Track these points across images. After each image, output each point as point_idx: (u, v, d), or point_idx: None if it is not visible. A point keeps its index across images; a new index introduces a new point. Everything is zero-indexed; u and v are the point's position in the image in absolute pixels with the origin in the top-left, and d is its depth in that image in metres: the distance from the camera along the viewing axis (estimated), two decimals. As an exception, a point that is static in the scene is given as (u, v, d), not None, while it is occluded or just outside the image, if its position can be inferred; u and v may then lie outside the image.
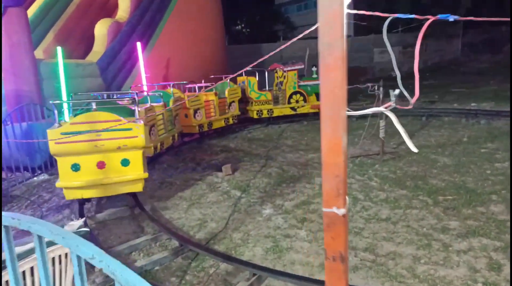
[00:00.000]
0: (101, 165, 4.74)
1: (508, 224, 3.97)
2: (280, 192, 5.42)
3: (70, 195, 4.77)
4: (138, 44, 8.43)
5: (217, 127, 9.46)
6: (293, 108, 10.10)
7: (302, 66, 10.10)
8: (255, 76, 10.24)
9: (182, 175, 6.54)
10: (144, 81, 8.60)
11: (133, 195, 5.25)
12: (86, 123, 4.56)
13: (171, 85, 8.12)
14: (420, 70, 8.36)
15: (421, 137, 7.80)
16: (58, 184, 4.70)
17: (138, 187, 4.95)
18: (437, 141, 7.33)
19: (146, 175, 4.94)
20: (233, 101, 9.82)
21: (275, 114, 10.11)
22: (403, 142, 7.46)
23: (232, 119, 9.80)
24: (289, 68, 9.99)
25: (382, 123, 6.41)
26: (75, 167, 4.66)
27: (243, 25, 27.66)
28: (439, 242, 3.72)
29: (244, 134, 9.61)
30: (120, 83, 8.78)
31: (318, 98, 10.54)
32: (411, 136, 7.87)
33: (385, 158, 6.47)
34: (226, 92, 9.55)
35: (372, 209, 4.65)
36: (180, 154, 7.96)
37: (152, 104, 6.63)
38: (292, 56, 18.34)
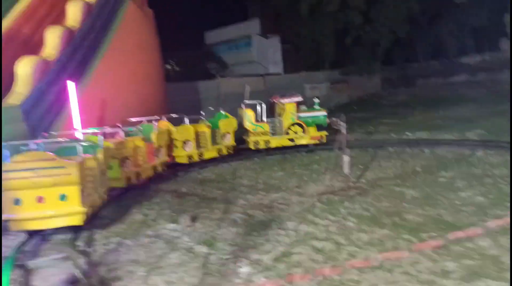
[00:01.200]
0: (39, 199, 5.14)
1: (502, 259, 3.81)
2: (253, 243, 4.79)
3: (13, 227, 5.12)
4: (70, 83, 7.43)
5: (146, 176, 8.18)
6: (291, 139, 10.23)
7: (301, 99, 10.33)
8: (254, 108, 10.37)
9: (131, 231, 5.59)
10: (77, 124, 7.53)
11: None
12: (25, 161, 5.09)
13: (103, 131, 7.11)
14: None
15: (376, 169, 7.79)
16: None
17: (77, 221, 5.24)
18: (394, 172, 7.35)
19: (84, 209, 5.23)
20: (161, 146, 8.77)
21: (272, 145, 10.22)
22: (362, 175, 7.37)
23: (161, 167, 8.73)
24: (287, 100, 10.15)
25: (346, 158, 6.22)
26: (17, 202, 5.08)
27: (174, 64, 27.24)
28: (447, 290, 3.40)
29: (193, 175, 8.86)
30: (47, 128, 7.59)
31: (318, 129, 10.32)
32: (365, 169, 7.85)
33: (351, 193, 6.24)
34: (153, 136, 8.43)
35: (360, 255, 4.25)
36: (122, 205, 6.92)
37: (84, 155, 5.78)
38: (231, 92, 18.18)
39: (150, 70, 10.49)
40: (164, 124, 9.36)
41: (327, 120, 10.23)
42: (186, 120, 9.44)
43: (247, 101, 10.52)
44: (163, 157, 8.84)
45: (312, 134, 10.24)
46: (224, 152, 9.99)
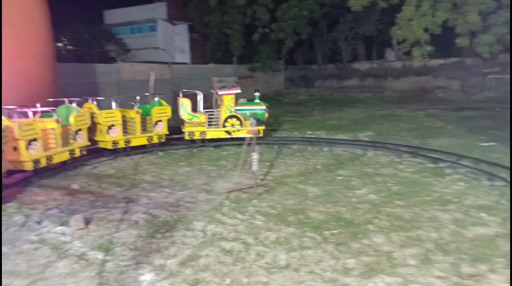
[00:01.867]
0: None
1: (394, 255, 4.18)
2: (157, 247, 4.45)
3: None
4: None
5: (59, 161, 7.70)
6: (228, 132, 9.98)
7: (239, 91, 10.01)
8: (193, 97, 10.04)
9: (8, 235, 4.74)
10: None
11: None
12: None
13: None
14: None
15: (281, 166, 8.00)
16: None
17: None
18: (298, 170, 7.62)
19: None
20: (80, 129, 8.20)
21: (208, 137, 9.94)
22: (269, 172, 7.49)
23: (80, 151, 8.23)
24: (223, 92, 9.80)
25: (255, 155, 6.21)
26: None
27: (67, 42, 24.36)
28: (349, 287, 3.58)
29: (88, 169, 7.97)
30: None
31: (257, 124, 9.74)
32: (271, 166, 8.01)
33: (259, 191, 6.26)
34: (72, 119, 7.91)
35: (268, 255, 4.25)
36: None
37: None
38: (133, 79, 16.97)
39: (38, 46, 9.07)
40: (89, 106, 8.79)
41: (266, 115, 10.41)
42: (113, 104, 8.92)
43: (184, 90, 10.42)
44: (82, 141, 8.28)
45: (248, 128, 10.10)
46: (155, 140, 9.66)
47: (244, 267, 3.99)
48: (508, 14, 15.90)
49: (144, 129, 9.48)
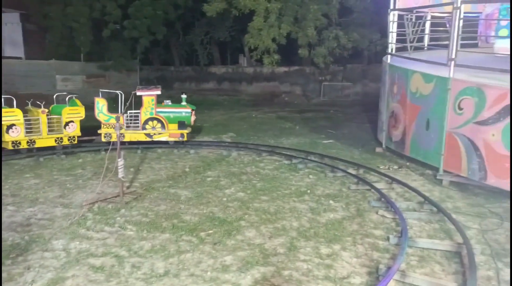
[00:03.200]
0: None
1: (266, 246, 4.55)
2: (8, 275, 3.77)
3: None
4: None
5: None
6: (148, 135, 9.48)
7: (159, 92, 9.40)
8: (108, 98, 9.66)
9: None
10: None
11: None
12: None
13: None
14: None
15: (148, 171, 7.72)
16: None
17: None
18: (166, 174, 7.48)
19: None
20: None
21: (126, 139, 9.45)
22: (135, 179, 7.13)
23: None
24: (143, 93, 9.20)
25: (120, 161, 5.83)
26: None
27: None
28: (229, 284, 3.74)
29: None
30: None
31: (180, 127, 9.36)
32: (136, 171, 7.66)
33: (127, 200, 5.91)
34: None
35: (145, 265, 4.08)
36: None
37: None
38: None
39: None
40: None
41: (193, 118, 9.92)
42: (14, 103, 8.63)
43: (103, 90, 9.79)
44: None
45: (171, 131, 9.54)
46: (66, 142, 9.11)
47: (120, 282, 3.75)
48: (337, 31, 18.92)
49: (52, 129, 8.89)
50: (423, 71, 7.61)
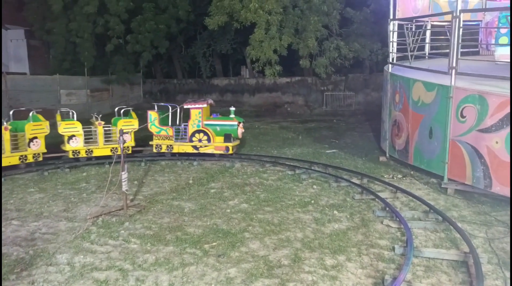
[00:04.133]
0: None
1: (270, 258, 4.52)
2: (12, 291, 3.77)
3: None
4: None
5: None
6: (195, 147, 9.74)
7: (205, 105, 9.70)
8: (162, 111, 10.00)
9: None
10: None
11: None
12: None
13: None
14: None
15: (151, 183, 7.72)
16: None
17: None
18: (169, 186, 7.48)
19: None
20: None
21: (174, 151, 9.88)
22: (139, 191, 7.13)
23: None
24: (190, 106, 9.71)
25: (124, 175, 5.85)
26: None
27: None
28: (234, 295, 3.72)
29: None
30: None
31: (226, 140, 9.44)
32: (140, 184, 7.67)
33: (130, 212, 5.91)
34: None
35: (149, 278, 4.07)
36: None
37: None
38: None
39: None
40: None
41: (241, 130, 9.95)
42: (75, 115, 9.25)
43: (157, 103, 10.23)
44: None
45: (216, 144, 9.63)
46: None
47: (124, 296, 3.73)
48: (337, 42, 19.05)
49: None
50: (424, 79, 7.63)
